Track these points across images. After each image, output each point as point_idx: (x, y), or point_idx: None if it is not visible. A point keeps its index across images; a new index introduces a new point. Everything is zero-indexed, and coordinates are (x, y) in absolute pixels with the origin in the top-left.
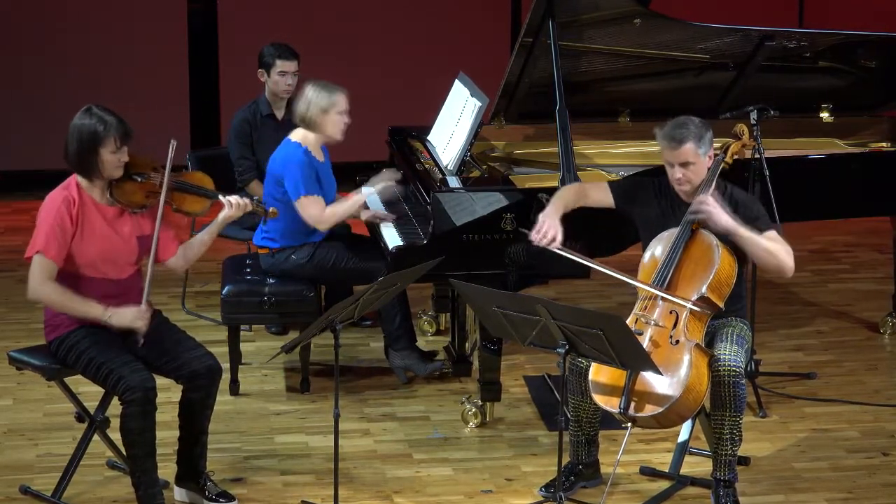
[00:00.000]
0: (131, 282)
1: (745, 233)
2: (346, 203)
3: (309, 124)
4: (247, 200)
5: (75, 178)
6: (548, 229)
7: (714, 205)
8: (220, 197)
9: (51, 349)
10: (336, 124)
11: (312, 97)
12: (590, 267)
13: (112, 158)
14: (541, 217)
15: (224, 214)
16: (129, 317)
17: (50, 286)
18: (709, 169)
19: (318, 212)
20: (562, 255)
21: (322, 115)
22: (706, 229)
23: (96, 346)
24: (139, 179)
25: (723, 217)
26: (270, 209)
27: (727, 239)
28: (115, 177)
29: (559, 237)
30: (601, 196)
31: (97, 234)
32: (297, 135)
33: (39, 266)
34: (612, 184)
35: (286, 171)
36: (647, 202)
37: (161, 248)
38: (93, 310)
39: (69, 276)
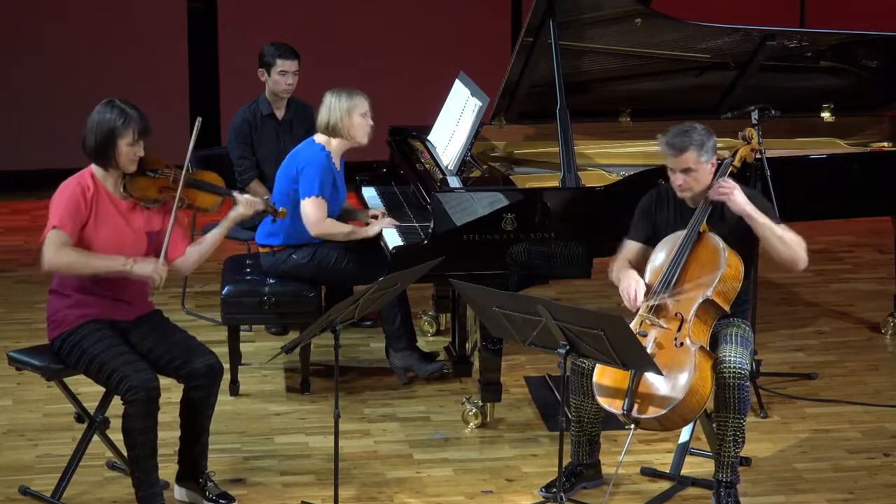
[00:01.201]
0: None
1: (762, 219)
2: (347, 229)
3: (333, 130)
4: (257, 199)
5: (90, 169)
6: (630, 290)
7: (735, 186)
8: (233, 194)
9: (53, 347)
10: (361, 126)
11: (333, 102)
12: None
13: (128, 151)
14: (622, 286)
15: (236, 213)
16: (150, 268)
17: (66, 251)
18: (714, 174)
19: (319, 216)
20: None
21: (346, 119)
22: (712, 233)
23: (99, 345)
24: (153, 175)
25: (743, 199)
26: (280, 209)
27: (732, 243)
28: (129, 171)
29: (641, 290)
30: (634, 250)
31: (109, 224)
32: (321, 138)
33: (54, 238)
34: (630, 235)
35: (305, 169)
36: (658, 217)
37: (171, 247)
38: (115, 262)
39: None
